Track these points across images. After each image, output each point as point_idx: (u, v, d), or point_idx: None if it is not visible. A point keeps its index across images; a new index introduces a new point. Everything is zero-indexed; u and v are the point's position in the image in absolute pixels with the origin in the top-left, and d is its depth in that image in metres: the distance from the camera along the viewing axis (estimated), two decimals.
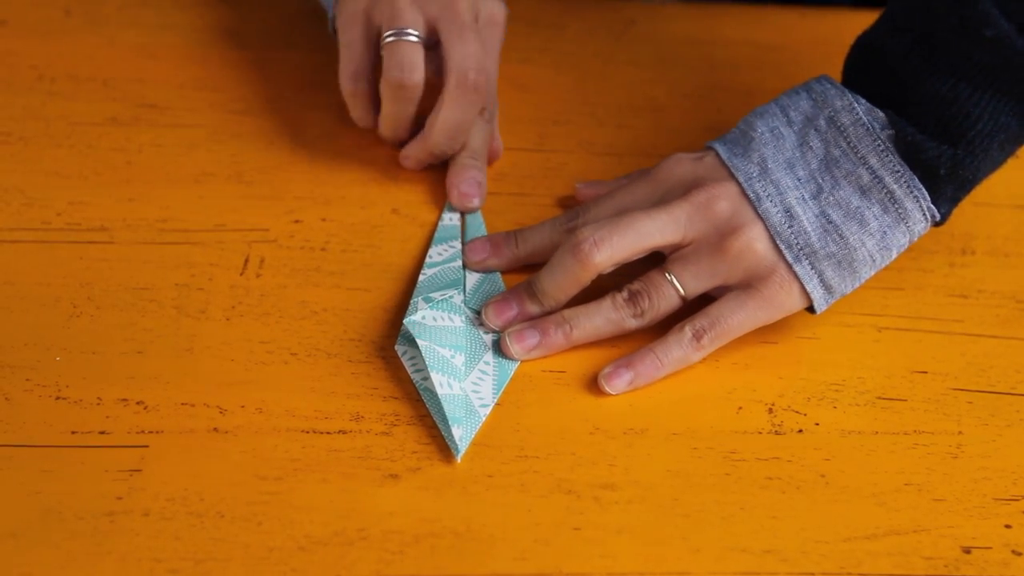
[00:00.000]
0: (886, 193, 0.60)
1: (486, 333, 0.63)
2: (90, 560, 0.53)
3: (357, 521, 0.55)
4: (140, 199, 0.69)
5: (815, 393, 0.62)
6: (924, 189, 0.60)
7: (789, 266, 0.61)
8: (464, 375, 0.60)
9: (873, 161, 0.60)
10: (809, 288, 0.61)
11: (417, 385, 0.60)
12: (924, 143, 0.60)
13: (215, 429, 0.58)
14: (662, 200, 0.63)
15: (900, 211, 0.61)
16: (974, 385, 0.62)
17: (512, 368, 0.61)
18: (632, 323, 0.62)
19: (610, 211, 0.64)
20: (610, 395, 0.60)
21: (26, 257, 0.66)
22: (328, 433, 0.58)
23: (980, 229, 0.71)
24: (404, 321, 0.61)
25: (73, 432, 0.58)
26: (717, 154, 0.63)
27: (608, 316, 0.62)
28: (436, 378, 0.59)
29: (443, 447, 0.58)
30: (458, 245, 0.67)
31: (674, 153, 0.65)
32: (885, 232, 0.61)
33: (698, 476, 0.58)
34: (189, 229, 0.68)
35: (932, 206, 0.61)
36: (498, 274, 0.66)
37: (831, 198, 0.61)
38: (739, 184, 0.62)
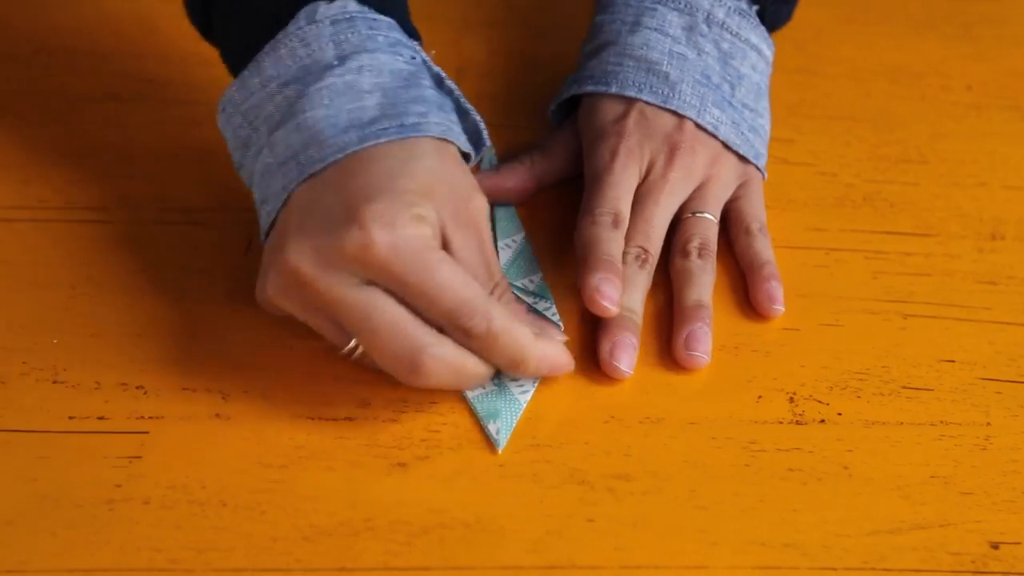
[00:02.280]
0: (766, 62, 0.71)
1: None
2: (88, 549, 0.53)
3: (364, 511, 0.55)
4: (140, 177, 0.69)
5: (838, 382, 0.61)
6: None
7: (748, 162, 0.69)
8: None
9: (754, 39, 0.70)
10: (760, 166, 0.69)
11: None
12: (778, 10, 0.72)
13: (217, 415, 0.58)
14: (650, 172, 0.66)
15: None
16: (1003, 375, 0.62)
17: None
18: (714, 274, 0.65)
19: (618, 210, 0.64)
20: (624, 377, 0.60)
21: (23, 237, 0.66)
22: (334, 420, 0.58)
23: (1010, 214, 0.70)
24: None
25: (71, 417, 0.58)
26: (646, 102, 0.67)
27: (708, 281, 0.64)
28: None
29: (452, 435, 0.58)
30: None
31: (600, 123, 0.67)
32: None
33: (716, 467, 0.58)
34: (191, 208, 0.67)
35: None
36: (515, 212, 0.68)
37: (742, 88, 0.69)
38: (694, 122, 0.67)
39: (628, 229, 0.64)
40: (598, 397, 0.60)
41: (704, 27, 0.69)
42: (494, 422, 0.58)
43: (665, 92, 0.67)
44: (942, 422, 0.60)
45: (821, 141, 0.75)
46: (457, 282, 0.55)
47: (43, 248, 0.65)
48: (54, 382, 0.59)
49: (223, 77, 0.75)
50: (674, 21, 0.68)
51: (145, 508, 0.55)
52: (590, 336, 0.62)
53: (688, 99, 0.67)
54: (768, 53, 0.71)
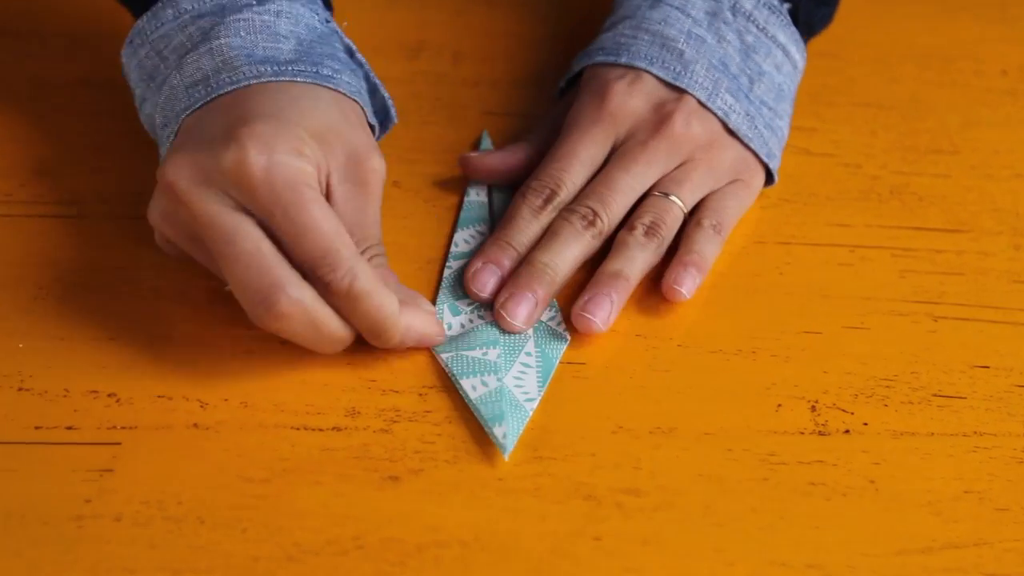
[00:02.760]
0: (793, 65, 0.70)
1: None
2: (55, 569, 0.53)
3: (353, 528, 0.55)
4: (113, 169, 0.69)
5: (863, 389, 0.61)
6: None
7: (757, 156, 0.67)
8: (504, 369, 0.60)
9: (782, 38, 0.69)
10: (773, 168, 0.68)
11: (461, 392, 0.60)
12: (814, 10, 0.71)
13: (195, 425, 0.58)
14: (629, 139, 0.66)
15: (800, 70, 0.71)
16: None
17: (557, 355, 0.61)
18: (656, 258, 0.64)
19: (583, 174, 0.65)
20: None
21: None
22: (321, 430, 0.58)
23: None
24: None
25: (37, 427, 0.58)
26: (655, 76, 0.67)
27: (642, 259, 0.63)
28: (466, 384, 0.59)
29: (448, 447, 0.58)
30: (487, 230, 0.66)
31: (597, 85, 0.67)
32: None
33: (732, 481, 0.57)
34: None
35: None
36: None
37: (762, 85, 0.68)
38: (697, 99, 0.66)
39: (586, 190, 0.64)
40: (605, 406, 0.60)
41: (729, 15, 0.68)
42: (500, 425, 0.58)
43: (677, 69, 0.67)
44: (976, 433, 0.60)
45: (845, 130, 0.74)
46: (327, 227, 0.56)
47: (7, 245, 0.65)
48: (19, 389, 0.59)
49: None
50: (698, 3, 0.68)
51: (117, 525, 0.54)
52: (598, 346, 0.62)
53: (700, 80, 0.67)
54: (797, 56, 0.70)
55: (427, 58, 0.77)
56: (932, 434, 0.59)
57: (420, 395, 0.60)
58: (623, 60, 0.67)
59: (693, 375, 0.61)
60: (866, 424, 0.60)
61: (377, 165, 0.61)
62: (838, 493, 0.57)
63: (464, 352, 0.61)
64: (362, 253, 0.59)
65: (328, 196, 0.59)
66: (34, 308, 0.62)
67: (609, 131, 0.66)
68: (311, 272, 0.57)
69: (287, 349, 0.61)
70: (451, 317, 0.62)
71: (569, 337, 0.62)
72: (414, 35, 0.79)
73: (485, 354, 0.61)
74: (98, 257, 0.64)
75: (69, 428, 0.58)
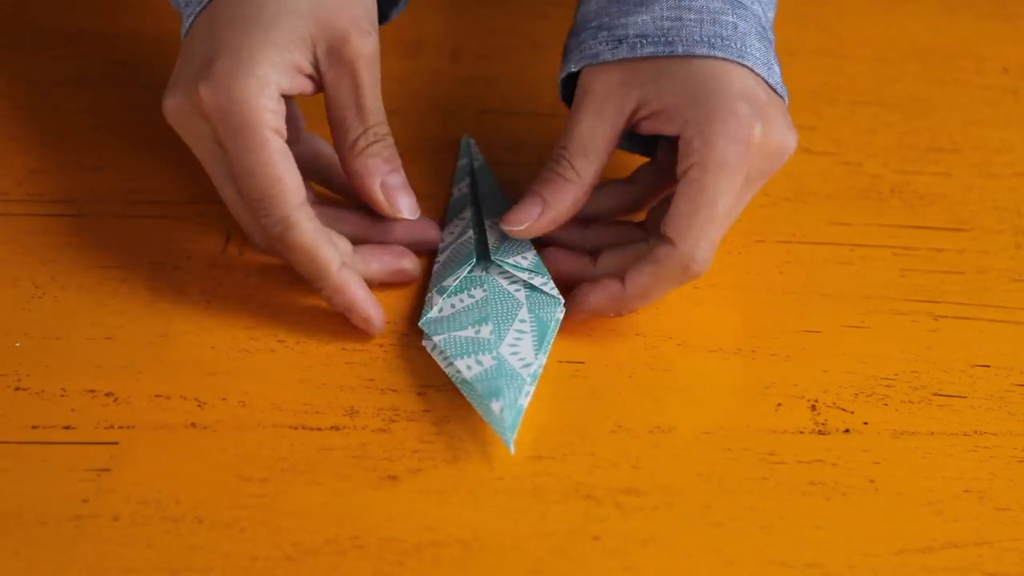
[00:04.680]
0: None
1: (518, 290, 0.62)
2: (53, 569, 0.53)
3: (351, 528, 0.55)
4: (110, 167, 0.69)
5: (863, 388, 0.61)
6: None
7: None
8: (496, 343, 0.60)
9: None
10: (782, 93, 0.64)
11: (453, 379, 0.60)
12: None
13: (193, 424, 0.58)
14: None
15: None
16: None
17: (552, 318, 0.61)
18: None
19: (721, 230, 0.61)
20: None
21: None
22: (319, 429, 0.58)
23: None
24: (420, 323, 0.61)
25: (34, 427, 0.58)
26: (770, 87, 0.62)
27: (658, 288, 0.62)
28: (460, 364, 0.59)
29: (447, 446, 0.58)
30: (468, 214, 0.66)
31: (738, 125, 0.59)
32: None
33: (732, 480, 0.57)
34: (165, 201, 0.67)
35: None
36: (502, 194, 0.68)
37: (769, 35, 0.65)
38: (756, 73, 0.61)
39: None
40: (605, 405, 0.60)
41: None
42: (497, 400, 0.57)
43: (737, 46, 0.61)
44: (976, 432, 0.60)
45: (845, 128, 0.75)
46: (269, 172, 0.59)
47: (4, 244, 0.65)
48: (16, 389, 0.59)
49: None
50: None
51: (114, 525, 0.54)
52: (597, 345, 0.62)
53: (756, 53, 0.62)
54: None
55: (426, 56, 0.78)
56: (932, 433, 0.60)
57: (419, 394, 0.60)
58: (679, 51, 0.61)
59: (692, 374, 0.61)
60: (866, 423, 0.60)
61: (360, 45, 0.60)
62: (838, 492, 0.57)
63: (456, 333, 0.61)
64: (361, 137, 0.61)
65: (322, 86, 0.61)
66: (31, 307, 0.62)
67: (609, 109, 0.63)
68: (254, 214, 0.60)
69: (285, 348, 0.61)
70: (440, 299, 0.62)
71: (563, 300, 0.62)
72: (413, 33, 0.79)
73: (477, 332, 0.61)
74: (95, 255, 0.65)
75: (66, 428, 0.58)
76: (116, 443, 0.57)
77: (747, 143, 0.59)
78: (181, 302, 0.63)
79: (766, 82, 0.61)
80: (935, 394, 0.61)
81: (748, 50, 0.61)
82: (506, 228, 0.62)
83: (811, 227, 0.68)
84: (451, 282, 0.63)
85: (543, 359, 0.60)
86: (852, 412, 0.60)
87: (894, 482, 0.58)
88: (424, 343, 0.61)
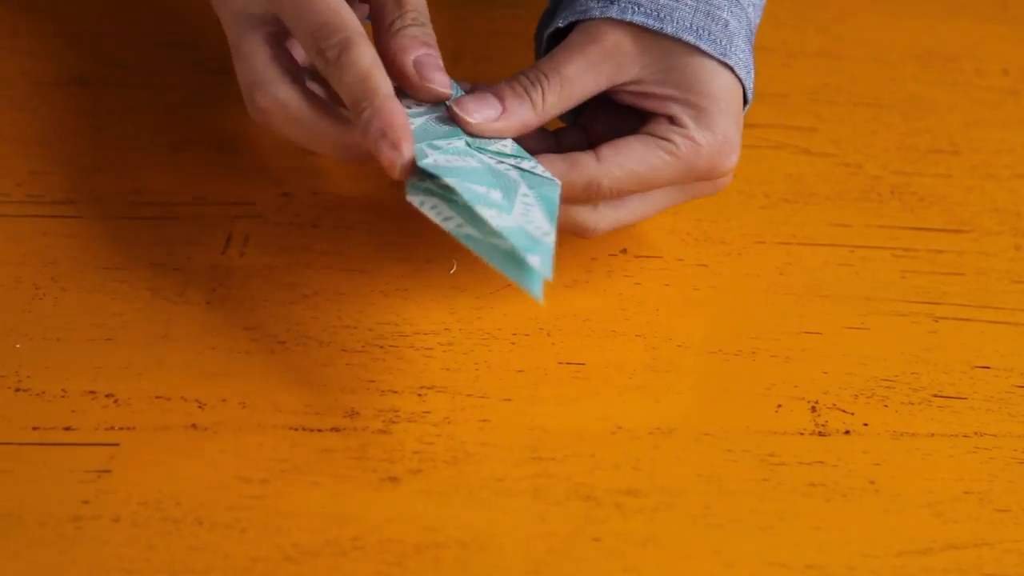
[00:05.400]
0: None
1: (508, 170, 0.59)
2: (53, 570, 0.53)
3: (352, 529, 0.55)
4: (110, 169, 0.69)
5: (864, 390, 0.61)
6: None
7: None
8: (509, 208, 0.57)
9: None
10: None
11: (454, 234, 0.56)
12: None
13: (193, 425, 0.58)
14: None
15: None
16: None
17: (555, 193, 0.58)
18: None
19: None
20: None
21: None
22: (319, 431, 0.58)
23: None
24: (418, 164, 0.57)
25: (35, 428, 0.58)
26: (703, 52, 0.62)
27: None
28: (485, 212, 0.55)
29: (447, 447, 0.58)
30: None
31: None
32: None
33: (732, 482, 0.57)
34: (165, 202, 0.67)
35: None
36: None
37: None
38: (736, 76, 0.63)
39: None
40: (605, 406, 0.60)
41: None
42: (534, 255, 0.54)
43: (723, 43, 0.62)
44: (976, 433, 0.60)
45: (845, 129, 0.75)
46: (330, 4, 0.59)
47: (4, 245, 0.65)
48: (16, 390, 0.59)
49: (199, 61, 0.75)
50: None
51: (115, 526, 0.55)
52: (597, 346, 0.62)
53: (743, 56, 0.63)
54: None
55: None
56: (932, 435, 0.60)
57: (419, 395, 0.60)
58: (668, 29, 0.61)
59: (693, 375, 0.61)
60: (866, 425, 0.60)
61: None
62: (838, 494, 0.57)
63: (469, 184, 0.57)
64: (398, 19, 0.61)
65: None
66: (31, 308, 0.62)
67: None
68: (312, 48, 0.59)
69: (285, 349, 0.61)
70: (433, 152, 0.59)
71: (559, 182, 0.59)
72: None
73: (488, 192, 0.57)
74: (95, 257, 0.65)
75: (67, 429, 0.58)
76: (116, 444, 0.57)
77: (719, 170, 0.62)
78: (182, 303, 0.63)
79: (742, 85, 0.62)
80: (935, 395, 0.61)
81: (734, 50, 0.62)
82: (456, 111, 0.61)
83: (811, 228, 0.69)
84: (442, 142, 0.59)
85: (554, 226, 0.56)
86: (852, 413, 0.60)
87: (894, 483, 0.58)
88: (410, 198, 0.57)
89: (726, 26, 0.62)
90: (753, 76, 0.64)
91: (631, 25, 0.61)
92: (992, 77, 0.79)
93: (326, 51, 0.59)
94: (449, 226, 0.57)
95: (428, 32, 0.62)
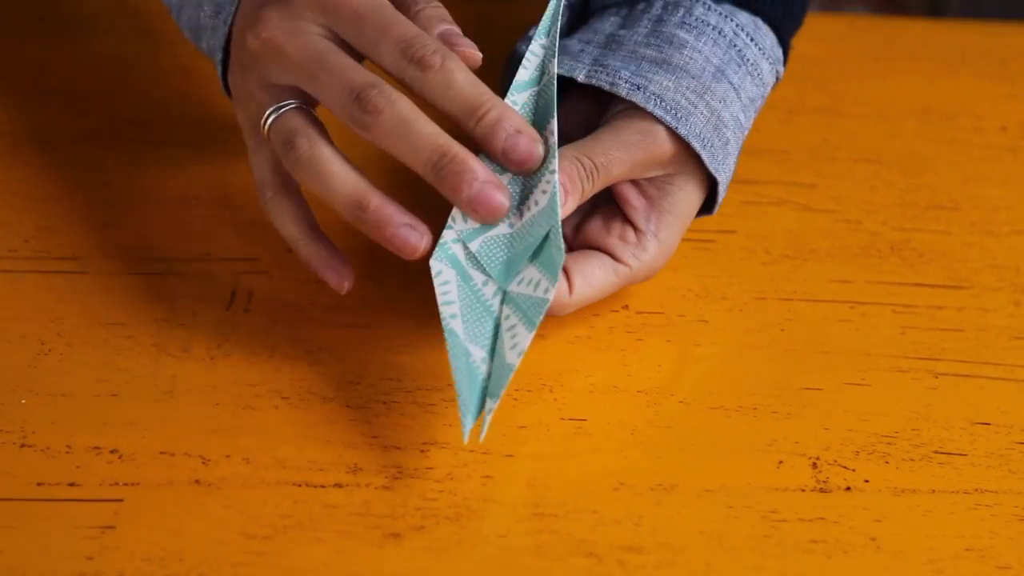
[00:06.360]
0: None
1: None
2: None
3: None
4: (116, 224, 0.69)
5: (864, 446, 0.61)
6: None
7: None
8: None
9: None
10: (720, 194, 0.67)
11: (442, 319, 0.58)
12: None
13: (197, 481, 0.58)
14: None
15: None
16: None
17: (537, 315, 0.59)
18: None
19: None
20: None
21: None
22: (323, 487, 0.58)
23: None
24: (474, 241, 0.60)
25: (39, 484, 0.58)
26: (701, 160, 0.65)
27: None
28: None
29: (450, 503, 0.58)
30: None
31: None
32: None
33: (734, 538, 0.57)
34: (170, 258, 0.68)
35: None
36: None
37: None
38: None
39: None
40: (607, 462, 0.60)
41: (761, 101, 0.68)
42: (495, 401, 0.57)
43: (719, 158, 0.65)
44: (977, 490, 0.60)
45: (845, 186, 0.75)
46: (410, 22, 0.59)
47: (11, 300, 0.65)
48: (22, 445, 0.59)
49: (205, 118, 0.76)
50: (748, 88, 0.67)
51: None
52: (599, 402, 0.63)
53: (729, 173, 0.66)
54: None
55: None
56: (933, 491, 0.60)
57: (421, 451, 0.60)
58: (681, 131, 0.63)
59: (694, 431, 0.62)
60: (867, 481, 0.60)
61: None
62: (839, 550, 0.57)
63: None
64: (414, 4, 0.61)
65: None
66: (37, 363, 0.63)
67: None
68: (402, 57, 0.58)
69: (289, 405, 0.61)
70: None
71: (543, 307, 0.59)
72: None
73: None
74: (101, 313, 0.65)
75: (71, 484, 0.58)
76: (121, 500, 0.57)
77: (654, 275, 0.66)
78: (186, 359, 0.63)
79: (715, 201, 0.66)
80: (936, 452, 0.61)
81: (725, 168, 0.65)
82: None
83: (812, 284, 0.69)
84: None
85: (532, 332, 0.58)
86: (853, 469, 0.61)
87: (895, 540, 0.58)
88: (434, 261, 0.59)
89: (726, 144, 0.65)
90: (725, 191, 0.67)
91: (677, 135, 0.64)
92: (991, 134, 0.79)
93: (426, 58, 0.58)
94: (443, 311, 0.59)
95: (445, 13, 0.63)
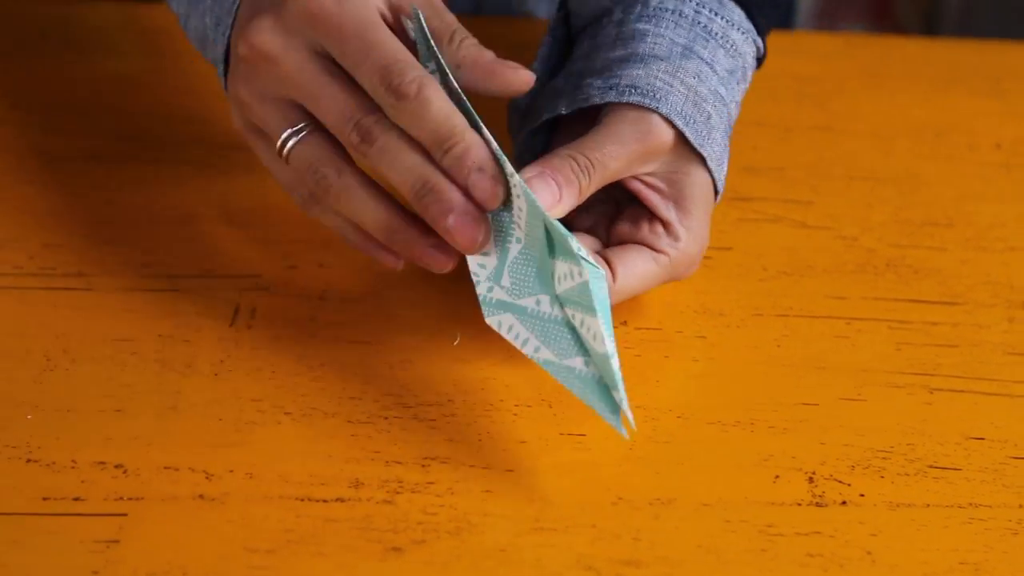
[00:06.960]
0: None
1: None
2: None
3: None
4: (121, 241, 0.70)
5: (860, 461, 0.62)
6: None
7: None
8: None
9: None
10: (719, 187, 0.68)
11: (532, 358, 0.60)
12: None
13: (201, 496, 0.59)
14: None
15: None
16: None
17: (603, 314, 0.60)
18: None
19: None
20: None
21: None
22: (325, 501, 0.59)
23: None
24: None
25: (45, 498, 0.58)
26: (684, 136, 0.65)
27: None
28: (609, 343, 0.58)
29: (450, 518, 0.58)
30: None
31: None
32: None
33: (731, 552, 0.58)
34: (174, 275, 0.68)
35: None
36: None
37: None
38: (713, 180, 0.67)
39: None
40: (606, 477, 0.60)
41: (741, 73, 0.69)
42: (617, 391, 0.58)
43: (703, 132, 0.66)
44: (971, 504, 0.60)
45: (841, 203, 0.76)
46: (395, 45, 0.60)
47: (16, 317, 0.66)
48: (27, 461, 0.60)
49: (209, 135, 0.76)
50: (721, 60, 0.68)
51: None
52: (598, 418, 0.63)
53: (717, 150, 0.66)
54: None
55: None
56: (928, 505, 0.60)
57: (423, 466, 0.60)
58: (663, 110, 0.64)
59: (692, 446, 0.62)
60: (863, 495, 0.61)
61: None
62: (835, 564, 0.58)
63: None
64: (448, 34, 0.62)
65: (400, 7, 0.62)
66: (43, 379, 0.63)
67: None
68: (380, 85, 0.59)
69: (291, 420, 0.62)
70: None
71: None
72: None
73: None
74: (106, 329, 0.65)
75: (76, 499, 0.58)
76: (125, 515, 0.58)
77: (695, 267, 0.67)
78: (190, 375, 0.64)
79: (712, 177, 0.66)
80: (930, 466, 0.62)
81: (710, 142, 0.65)
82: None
83: (808, 301, 0.70)
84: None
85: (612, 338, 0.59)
86: (849, 484, 0.61)
87: (891, 554, 0.58)
88: (489, 319, 0.61)
89: (708, 119, 0.66)
90: (725, 169, 0.67)
91: (672, 124, 0.64)
92: (985, 151, 0.80)
93: (401, 87, 0.59)
94: (527, 350, 0.61)
95: (476, 42, 0.63)
